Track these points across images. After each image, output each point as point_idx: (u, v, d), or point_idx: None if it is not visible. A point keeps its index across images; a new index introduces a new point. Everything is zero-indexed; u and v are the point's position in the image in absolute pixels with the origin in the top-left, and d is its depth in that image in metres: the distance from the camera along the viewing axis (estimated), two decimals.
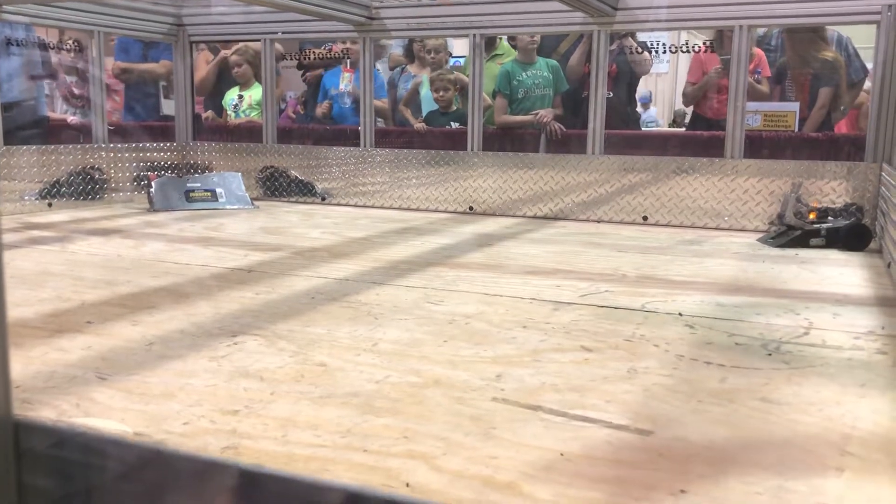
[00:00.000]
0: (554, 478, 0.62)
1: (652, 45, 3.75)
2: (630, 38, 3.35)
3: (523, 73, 3.71)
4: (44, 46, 3.85)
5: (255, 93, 3.86)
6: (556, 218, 2.44)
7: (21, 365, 0.87)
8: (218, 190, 2.54)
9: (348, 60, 3.67)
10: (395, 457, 0.65)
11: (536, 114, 3.74)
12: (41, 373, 0.85)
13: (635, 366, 0.92)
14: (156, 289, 1.31)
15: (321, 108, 4.10)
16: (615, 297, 1.28)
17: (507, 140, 3.90)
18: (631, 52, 3.48)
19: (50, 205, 2.44)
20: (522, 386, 0.84)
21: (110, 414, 0.73)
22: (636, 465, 0.65)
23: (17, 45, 3.46)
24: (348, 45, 3.82)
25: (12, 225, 2.08)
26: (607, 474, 0.63)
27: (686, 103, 3.71)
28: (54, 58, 4.67)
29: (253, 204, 2.57)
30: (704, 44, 3.28)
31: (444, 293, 1.30)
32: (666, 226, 2.29)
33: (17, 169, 2.35)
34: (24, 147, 2.41)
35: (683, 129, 4.52)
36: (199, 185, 2.53)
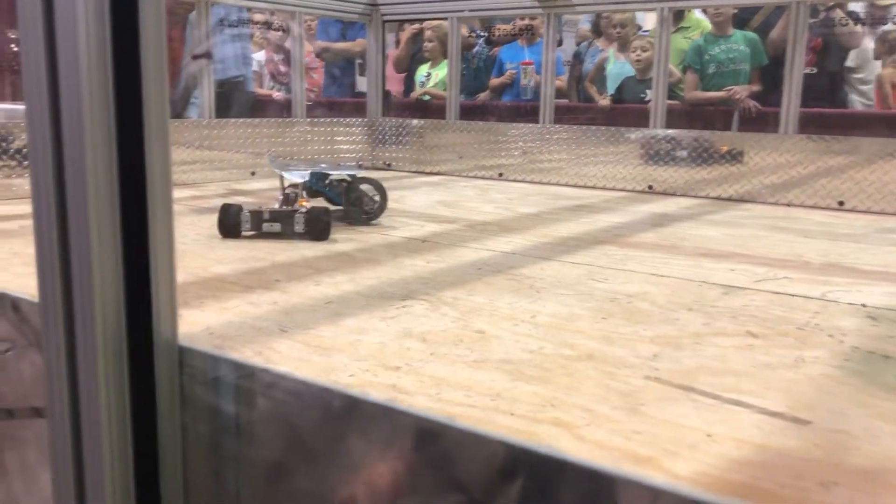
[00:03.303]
0: (696, 457, 0.62)
1: (864, 16, 3.44)
2: (838, 10, 3.09)
3: (716, 48, 3.54)
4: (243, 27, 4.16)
5: (442, 71, 3.97)
6: (741, 200, 2.33)
7: (217, 315, 0.98)
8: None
9: (526, 49, 3.67)
10: (539, 423, 0.68)
11: (730, 90, 3.56)
12: (233, 322, 0.95)
13: (803, 355, 0.88)
14: (337, 253, 1.41)
15: (498, 81, 4.14)
16: (793, 285, 1.22)
17: (696, 117, 3.75)
18: (839, 24, 3.22)
19: (253, 173, 2.67)
20: (678, 367, 0.83)
21: (287, 363, 0.81)
22: (786, 453, 0.63)
23: (230, 25, 3.78)
24: (527, 21, 3.81)
25: (219, 191, 2.31)
26: (753, 458, 0.62)
27: None
28: (265, 36, 5.03)
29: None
30: None
31: (609, 271, 1.29)
32: (864, 212, 2.12)
33: (226, 140, 2.58)
34: (232, 120, 2.65)
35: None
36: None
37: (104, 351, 0.36)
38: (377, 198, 1.76)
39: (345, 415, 0.63)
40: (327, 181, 1.75)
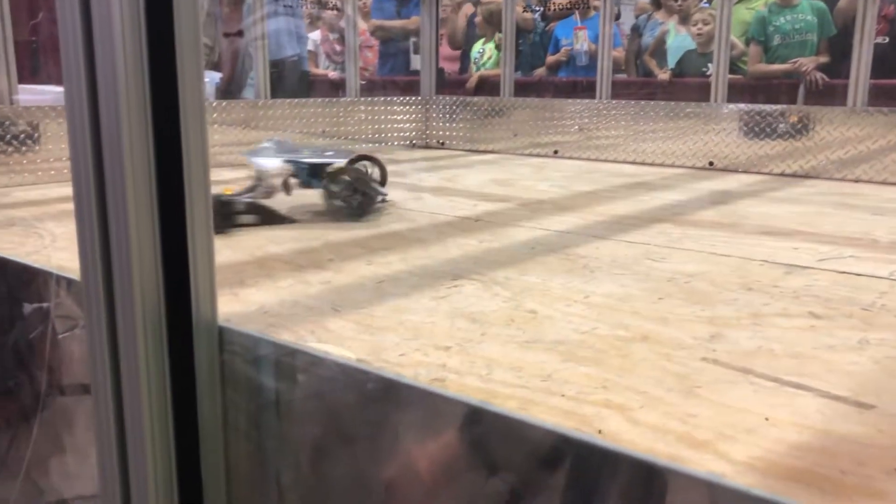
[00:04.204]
0: (754, 441, 0.60)
1: None
2: None
3: (781, 18, 3.42)
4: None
5: (494, 47, 3.93)
6: (805, 176, 2.25)
7: (271, 294, 0.99)
8: None
9: (579, 19, 3.60)
10: (591, 404, 0.67)
11: (796, 62, 3.44)
12: (286, 301, 0.96)
13: (868, 337, 0.84)
14: (389, 233, 1.41)
15: (553, 59, 4.08)
16: (859, 264, 1.18)
17: (759, 91, 3.63)
18: None
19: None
20: (736, 348, 0.81)
21: (339, 342, 0.81)
22: (849, 439, 0.61)
23: (285, 5, 3.80)
24: None
25: None
26: (813, 444, 0.60)
27: None
28: (320, 15, 5.05)
29: None
30: None
31: (666, 250, 1.27)
32: None
33: (280, 120, 2.61)
34: (286, 100, 2.67)
35: None
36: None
37: (144, 331, 0.36)
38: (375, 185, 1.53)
39: (383, 397, 0.63)
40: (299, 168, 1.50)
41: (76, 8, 0.35)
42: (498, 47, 4.12)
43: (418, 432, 0.65)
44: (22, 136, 2.00)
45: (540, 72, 4.24)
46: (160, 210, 0.36)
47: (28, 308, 0.99)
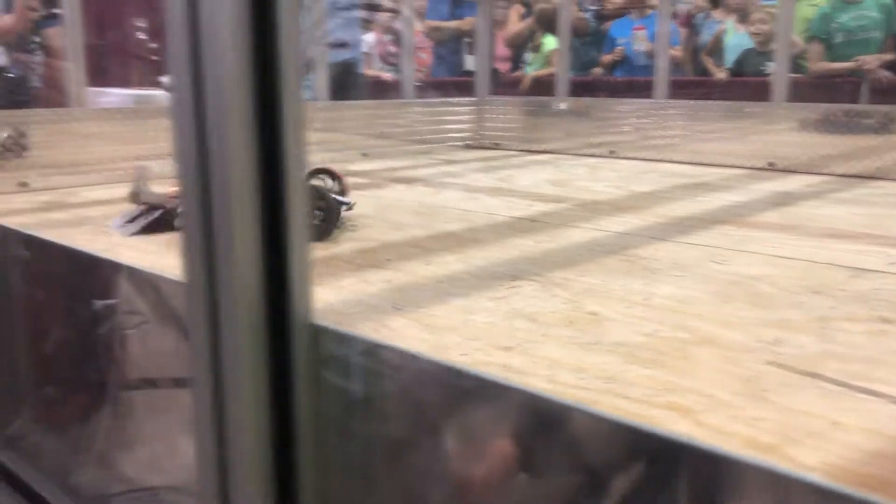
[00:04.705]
0: (823, 446, 0.59)
1: None
2: None
3: (844, 15, 3.33)
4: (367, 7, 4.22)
5: (548, 46, 3.92)
6: (871, 177, 2.19)
7: (334, 292, 1.01)
8: None
9: (637, 19, 3.56)
10: (655, 407, 0.66)
11: (859, 60, 3.35)
12: (349, 300, 0.98)
13: None
14: (449, 233, 1.42)
15: (609, 58, 4.05)
16: None
17: (820, 90, 3.55)
18: None
19: (364, 155, 2.72)
20: (802, 352, 0.80)
21: (402, 340, 0.82)
22: None
23: (340, 8, 3.85)
24: None
25: None
26: (886, 450, 0.59)
27: None
28: (374, 17, 5.10)
29: None
30: None
31: (729, 253, 1.25)
32: None
33: (337, 122, 2.65)
34: (343, 102, 2.71)
35: None
36: None
37: (245, 328, 0.38)
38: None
39: (474, 395, 0.64)
40: None
41: (184, 15, 0.36)
42: (555, 43, 4.10)
43: (510, 429, 0.66)
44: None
45: (596, 71, 4.20)
46: (262, 213, 0.37)
47: (98, 304, 1.04)
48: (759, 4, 3.83)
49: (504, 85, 4.16)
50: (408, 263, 1.18)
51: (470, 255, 1.23)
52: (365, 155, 2.71)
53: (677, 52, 3.74)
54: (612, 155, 2.75)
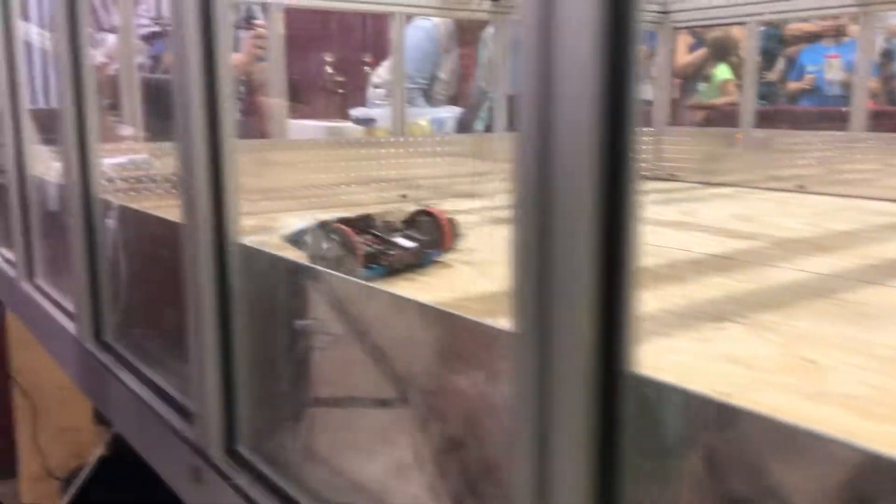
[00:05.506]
0: None
1: None
2: None
3: None
4: None
5: (722, 75, 3.80)
6: None
7: None
8: None
9: (831, 47, 3.36)
10: None
11: None
12: None
13: None
14: (645, 268, 1.41)
15: (796, 86, 3.85)
16: None
17: None
18: None
19: None
20: None
21: None
22: None
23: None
24: (830, 20, 3.51)
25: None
26: None
27: None
28: None
29: None
30: None
31: None
32: None
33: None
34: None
35: None
36: None
37: (573, 377, 0.39)
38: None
39: (761, 439, 0.62)
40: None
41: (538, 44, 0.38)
42: (729, 73, 3.96)
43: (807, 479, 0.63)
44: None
45: (779, 101, 4.02)
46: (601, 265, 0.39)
47: (299, 322, 1.10)
48: None
49: (678, 114, 4.06)
50: None
51: (668, 293, 1.21)
52: None
53: (874, 82, 3.50)
54: (801, 189, 2.61)
